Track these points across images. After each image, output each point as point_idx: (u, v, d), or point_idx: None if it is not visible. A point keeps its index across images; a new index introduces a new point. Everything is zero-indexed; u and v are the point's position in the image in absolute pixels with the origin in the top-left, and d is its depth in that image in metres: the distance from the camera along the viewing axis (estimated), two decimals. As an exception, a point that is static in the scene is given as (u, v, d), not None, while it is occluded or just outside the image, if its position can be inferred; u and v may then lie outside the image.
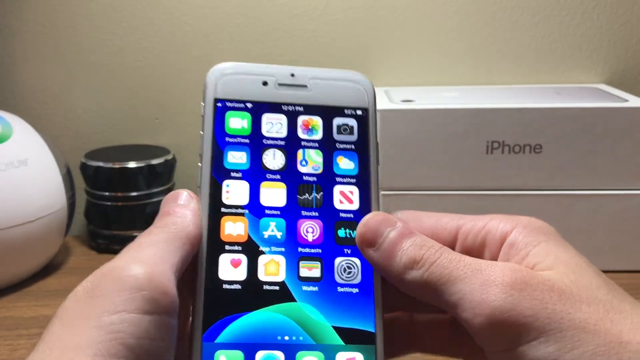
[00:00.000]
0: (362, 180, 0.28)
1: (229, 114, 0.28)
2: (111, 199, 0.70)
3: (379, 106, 0.63)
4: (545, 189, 0.63)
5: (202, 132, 0.28)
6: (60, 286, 0.64)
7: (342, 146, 0.29)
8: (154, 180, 0.71)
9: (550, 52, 0.76)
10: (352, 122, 0.29)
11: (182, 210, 0.27)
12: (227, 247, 0.26)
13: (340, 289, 0.26)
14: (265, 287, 0.25)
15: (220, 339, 0.24)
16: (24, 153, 0.62)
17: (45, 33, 0.76)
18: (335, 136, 0.29)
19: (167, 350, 0.23)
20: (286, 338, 0.24)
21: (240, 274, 0.26)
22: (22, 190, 0.61)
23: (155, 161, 0.71)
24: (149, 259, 0.24)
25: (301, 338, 0.25)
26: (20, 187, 0.60)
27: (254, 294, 0.25)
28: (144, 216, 0.71)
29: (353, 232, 0.27)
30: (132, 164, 0.70)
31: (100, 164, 0.70)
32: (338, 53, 0.76)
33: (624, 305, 0.24)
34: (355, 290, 0.26)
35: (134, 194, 0.70)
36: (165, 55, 0.77)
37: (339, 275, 0.26)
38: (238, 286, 0.25)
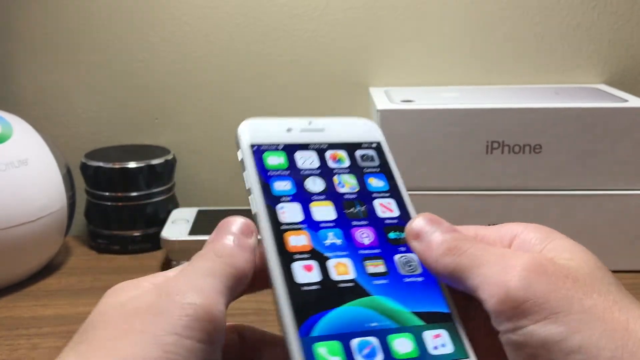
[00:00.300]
0: (395, 193, 0.32)
1: (265, 154, 0.32)
2: (111, 199, 0.70)
3: (378, 106, 0.63)
4: (545, 189, 0.63)
5: (244, 172, 0.31)
6: (60, 286, 0.64)
7: (369, 170, 0.33)
8: (154, 180, 0.71)
9: (550, 52, 0.76)
10: (371, 152, 0.34)
11: (239, 243, 0.28)
12: (295, 256, 0.28)
13: (407, 280, 0.29)
14: (340, 285, 0.28)
15: (315, 333, 0.26)
16: (24, 153, 0.62)
17: (45, 33, 0.76)
18: (361, 163, 0.33)
19: None
20: (374, 325, 0.27)
21: (315, 276, 0.28)
22: (22, 190, 0.61)
23: (155, 161, 0.71)
24: (206, 290, 0.25)
25: (387, 324, 0.27)
26: (20, 187, 0.60)
27: (332, 292, 0.28)
28: (144, 216, 0.71)
29: (402, 233, 0.30)
30: (132, 164, 0.70)
31: (100, 164, 0.70)
32: (338, 53, 0.76)
33: (630, 301, 0.25)
34: (420, 279, 0.29)
35: (134, 194, 0.70)
36: (165, 55, 0.77)
37: (401, 268, 0.29)
38: (316, 287, 0.28)
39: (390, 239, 0.30)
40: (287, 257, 0.28)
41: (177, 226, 0.68)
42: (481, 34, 0.76)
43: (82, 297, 0.61)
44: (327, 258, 0.29)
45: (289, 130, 0.33)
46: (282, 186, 0.31)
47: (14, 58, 0.77)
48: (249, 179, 0.31)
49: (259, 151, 0.32)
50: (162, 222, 0.70)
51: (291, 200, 0.30)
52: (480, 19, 0.75)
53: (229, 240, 0.28)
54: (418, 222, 0.29)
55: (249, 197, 0.31)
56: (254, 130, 0.32)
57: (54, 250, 0.67)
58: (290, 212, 0.30)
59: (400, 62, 0.77)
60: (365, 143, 0.34)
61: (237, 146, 0.32)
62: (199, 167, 0.80)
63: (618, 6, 0.75)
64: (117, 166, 0.70)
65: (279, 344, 0.29)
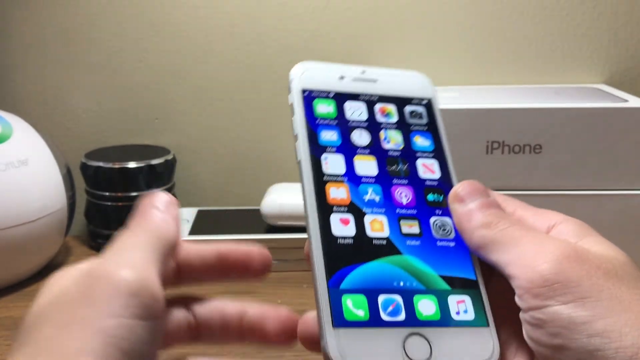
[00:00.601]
0: (439, 155, 0.32)
1: (316, 101, 0.32)
2: (111, 199, 0.70)
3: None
4: (546, 189, 0.63)
5: (293, 118, 0.31)
6: (60, 286, 0.64)
7: (416, 127, 0.33)
8: (154, 180, 0.71)
9: (550, 52, 0.76)
10: (421, 109, 0.33)
11: (164, 216, 0.28)
12: (334, 209, 0.29)
13: (439, 243, 0.29)
14: (374, 242, 0.29)
15: (344, 285, 0.27)
16: (24, 153, 0.62)
17: (45, 33, 0.76)
18: (409, 120, 0.33)
19: (155, 354, 0.25)
20: (401, 284, 0.28)
21: (351, 230, 0.29)
22: (22, 190, 0.61)
23: (155, 161, 0.71)
24: (138, 263, 0.25)
25: (414, 284, 0.28)
26: (20, 187, 0.60)
27: (365, 247, 0.28)
28: (144, 216, 0.71)
29: (441, 196, 0.31)
30: (132, 164, 0.70)
31: (100, 164, 0.70)
32: (338, 53, 0.76)
33: None
34: (452, 244, 0.29)
35: (134, 194, 0.70)
36: (165, 55, 0.77)
37: (435, 231, 0.29)
38: (350, 241, 0.28)
39: (429, 201, 0.30)
40: (326, 209, 0.29)
41: (177, 226, 0.68)
42: (481, 34, 0.76)
43: (82, 297, 0.61)
44: (364, 213, 0.29)
45: (341, 77, 0.33)
46: (329, 136, 0.31)
47: (14, 58, 0.77)
48: (296, 125, 0.31)
49: (309, 97, 0.32)
50: (162, 222, 0.69)
51: (336, 152, 0.31)
52: (480, 19, 0.75)
53: (153, 214, 0.28)
54: (465, 188, 0.30)
55: (295, 144, 0.31)
56: (307, 75, 0.32)
57: (54, 250, 0.67)
58: (333, 163, 0.30)
59: (400, 62, 0.77)
60: (416, 99, 0.34)
61: (289, 90, 0.32)
62: (199, 167, 0.80)
63: (618, 6, 0.75)
64: (117, 166, 0.70)
65: (229, 313, 0.30)
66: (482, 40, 0.76)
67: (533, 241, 0.27)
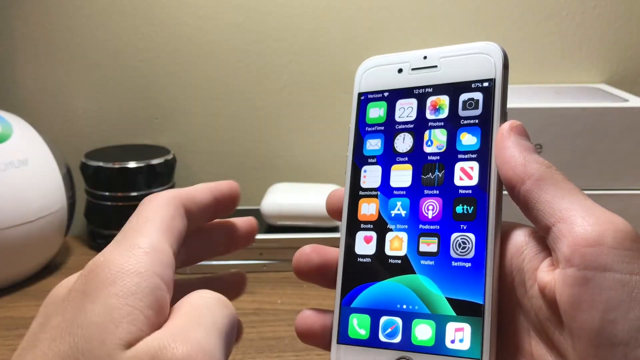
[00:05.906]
0: (483, 154, 0.29)
1: (369, 105, 0.32)
2: (111, 199, 0.70)
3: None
4: (545, 189, 0.63)
5: (350, 125, 0.32)
6: (60, 286, 0.64)
7: (466, 122, 0.29)
8: (154, 180, 0.71)
9: (550, 52, 0.76)
10: (478, 96, 0.29)
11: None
12: (362, 226, 0.30)
13: (454, 263, 0.28)
14: (390, 260, 0.29)
15: (355, 304, 0.29)
16: (24, 153, 0.62)
17: (45, 33, 0.76)
18: (461, 112, 0.30)
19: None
20: (404, 307, 0.28)
21: (371, 249, 0.29)
22: (22, 190, 0.61)
23: (155, 161, 0.71)
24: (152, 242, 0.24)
25: (417, 307, 0.28)
26: (20, 187, 0.60)
27: (381, 266, 0.29)
28: (144, 216, 0.71)
29: (470, 208, 0.28)
30: (132, 164, 0.70)
31: (100, 164, 0.70)
32: (338, 53, 0.76)
33: None
34: (467, 264, 0.28)
35: (134, 194, 0.70)
36: (165, 55, 0.77)
37: (454, 250, 0.28)
38: (369, 259, 0.29)
39: (456, 214, 0.28)
40: (355, 226, 0.30)
41: (177, 226, 0.68)
42: (481, 34, 0.76)
43: (82, 297, 0.61)
44: (388, 230, 0.29)
45: (399, 71, 0.32)
46: (373, 145, 0.31)
47: (14, 58, 0.77)
48: (349, 133, 0.31)
49: (365, 101, 0.32)
50: (162, 222, 0.69)
51: (377, 162, 0.31)
52: (479, 19, 0.75)
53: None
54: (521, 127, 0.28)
55: (347, 154, 0.31)
56: (366, 75, 0.32)
57: (54, 250, 0.67)
58: (371, 176, 0.31)
59: (400, 62, 0.77)
60: (477, 82, 0.30)
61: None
62: (199, 167, 0.80)
63: (618, 6, 0.75)
64: (117, 166, 0.70)
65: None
66: (481, 41, 0.76)
67: (592, 204, 0.25)
